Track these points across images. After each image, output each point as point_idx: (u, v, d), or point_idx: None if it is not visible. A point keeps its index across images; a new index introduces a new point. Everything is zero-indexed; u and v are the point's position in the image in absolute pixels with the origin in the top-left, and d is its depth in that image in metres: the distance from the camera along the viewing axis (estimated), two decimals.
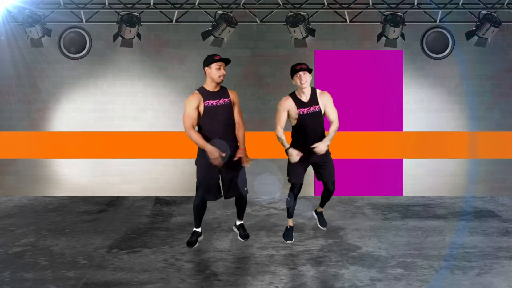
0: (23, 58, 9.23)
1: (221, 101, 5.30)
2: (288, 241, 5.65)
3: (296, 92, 5.47)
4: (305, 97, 5.42)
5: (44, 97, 9.42)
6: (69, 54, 8.03)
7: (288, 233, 5.69)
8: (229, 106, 5.32)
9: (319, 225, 5.89)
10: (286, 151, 5.39)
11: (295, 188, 5.55)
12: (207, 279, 4.74)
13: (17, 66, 9.29)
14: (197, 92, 5.32)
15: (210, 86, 5.32)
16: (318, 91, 5.50)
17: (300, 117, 5.40)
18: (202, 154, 5.25)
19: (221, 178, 5.31)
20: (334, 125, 5.44)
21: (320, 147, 5.31)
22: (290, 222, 5.74)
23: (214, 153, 5.08)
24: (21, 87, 9.39)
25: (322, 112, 5.45)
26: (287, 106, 5.42)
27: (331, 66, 9.02)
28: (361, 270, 4.90)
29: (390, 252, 5.39)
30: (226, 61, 5.31)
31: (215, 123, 5.26)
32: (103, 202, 7.66)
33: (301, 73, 5.39)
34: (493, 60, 9.20)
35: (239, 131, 5.35)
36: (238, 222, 5.61)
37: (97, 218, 6.82)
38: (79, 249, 5.54)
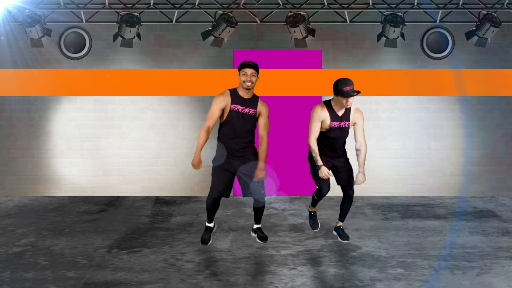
0: (23, 58, 9.23)
1: (247, 109, 5.27)
2: (316, 229, 5.88)
3: (332, 102, 5.42)
4: (341, 111, 5.41)
5: (44, 97, 9.42)
6: (69, 54, 8.03)
7: (314, 220, 5.91)
8: (253, 117, 5.29)
9: (340, 239, 5.74)
10: (317, 166, 5.39)
11: (323, 190, 5.56)
12: (207, 279, 4.74)
13: (17, 66, 9.29)
14: (228, 92, 5.29)
15: (241, 91, 5.30)
16: (353, 107, 5.45)
17: (330, 128, 5.42)
18: (220, 154, 5.30)
19: (239, 178, 5.34)
20: (363, 151, 5.51)
21: (360, 179, 5.50)
22: (313, 209, 5.91)
23: (196, 164, 5.13)
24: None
25: (350, 128, 5.51)
26: (322, 117, 5.39)
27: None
28: (361, 270, 4.90)
29: (390, 252, 5.39)
30: (251, 67, 5.24)
31: (235, 129, 5.26)
32: (103, 202, 7.66)
33: (350, 99, 5.30)
34: (493, 60, 9.20)
35: (261, 146, 5.33)
36: (255, 226, 5.63)
37: (97, 218, 6.82)
38: (79, 249, 5.54)
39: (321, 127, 5.45)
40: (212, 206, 5.37)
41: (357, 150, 5.55)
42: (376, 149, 9.37)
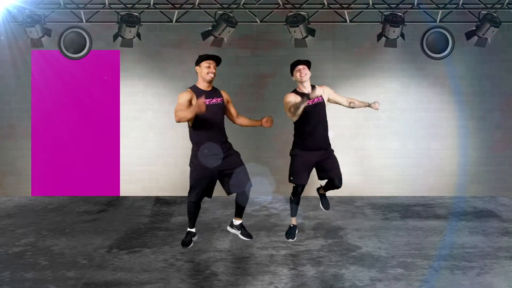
0: (23, 58, 9.23)
1: (213, 100, 5.26)
2: (290, 239, 5.63)
3: (297, 89, 5.54)
4: (307, 91, 5.48)
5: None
6: (69, 54, 8.02)
7: (290, 232, 5.66)
8: (222, 106, 5.29)
9: (322, 207, 5.78)
10: (304, 99, 5.35)
11: (298, 189, 5.55)
12: (207, 279, 4.74)
13: (17, 66, 9.29)
14: (189, 89, 5.29)
15: (202, 85, 5.29)
16: (317, 86, 5.56)
17: (305, 109, 5.37)
18: (195, 155, 5.23)
19: (222, 176, 5.26)
20: (354, 99, 5.65)
21: (377, 105, 5.63)
22: (293, 221, 5.72)
23: (201, 104, 4.96)
24: (21, 87, 9.39)
25: (325, 103, 5.51)
26: (293, 99, 5.44)
27: (49, 67, 9.02)
28: (361, 270, 4.90)
29: (390, 252, 5.39)
30: (215, 59, 5.28)
31: (208, 122, 5.21)
32: (103, 202, 7.66)
33: (301, 67, 5.45)
34: (493, 60, 9.20)
35: (243, 118, 5.44)
36: (236, 222, 5.47)
37: (97, 218, 6.82)
38: (79, 249, 5.54)
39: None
40: (194, 209, 5.26)
41: (350, 103, 5.60)
42: (376, 149, 9.37)
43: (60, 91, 9.19)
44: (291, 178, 5.55)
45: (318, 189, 5.90)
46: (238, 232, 5.49)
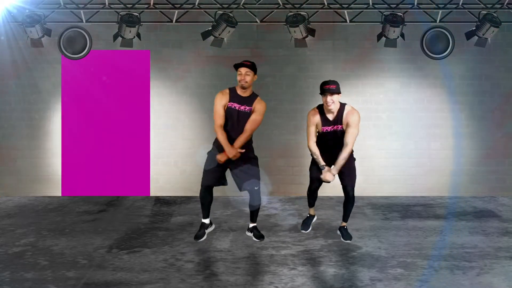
0: (23, 58, 9.23)
1: (242, 107, 5.46)
2: (303, 231, 5.92)
3: (324, 106, 5.53)
4: (331, 116, 5.50)
5: (44, 97, 9.42)
6: (69, 54, 8.02)
7: (306, 222, 6.02)
8: (249, 115, 5.47)
9: (343, 239, 5.77)
10: (321, 167, 5.51)
11: (312, 185, 5.75)
12: (207, 279, 4.74)
13: (17, 66, 9.29)
14: (227, 90, 5.51)
15: (239, 90, 5.51)
16: (347, 108, 5.50)
17: (323, 134, 5.55)
18: (213, 147, 5.54)
19: (232, 173, 5.55)
20: (346, 152, 5.45)
21: (327, 177, 5.47)
22: (311, 211, 6.04)
23: (222, 157, 5.36)
24: (21, 87, 9.39)
25: (344, 131, 5.53)
26: (315, 121, 5.54)
27: (78, 67, 9.05)
28: (361, 270, 4.90)
29: (390, 252, 5.39)
30: (246, 66, 5.44)
31: (233, 126, 5.47)
32: (103, 202, 7.66)
33: (328, 97, 5.38)
34: (493, 60, 9.20)
35: (242, 135, 5.43)
36: (251, 225, 5.81)
37: (97, 218, 6.82)
38: (79, 249, 5.54)
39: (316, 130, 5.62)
40: (204, 196, 5.56)
41: (344, 144, 5.54)
42: (376, 149, 9.37)
43: (89, 92, 9.19)
44: (309, 173, 5.75)
45: (339, 228, 5.93)
46: (251, 235, 5.76)
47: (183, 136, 9.34)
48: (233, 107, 5.44)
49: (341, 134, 5.52)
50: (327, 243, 5.69)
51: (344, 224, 5.85)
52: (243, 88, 5.44)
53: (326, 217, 6.74)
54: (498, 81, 9.31)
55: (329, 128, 5.51)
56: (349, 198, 5.69)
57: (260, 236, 5.70)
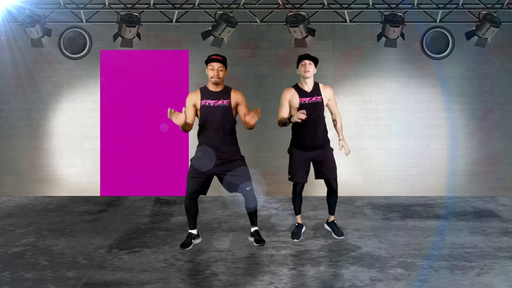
0: (23, 58, 9.23)
1: (219, 102, 5.24)
2: (295, 240, 5.69)
3: (299, 83, 5.54)
4: (307, 88, 5.49)
5: (44, 97, 9.43)
6: (69, 54, 8.02)
7: (296, 231, 5.77)
8: (228, 108, 5.25)
9: (334, 235, 5.77)
10: (290, 118, 5.37)
11: (297, 187, 5.63)
12: (207, 279, 4.74)
13: (17, 66, 9.29)
14: (198, 90, 5.34)
15: (210, 86, 5.32)
16: (321, 85, 5.56)
17: (301, 106, 5.41)
18: (195, 154, 5.33)
19: (220, 179, 5.37)
20: (339, 120, 5.57)
21: (347, 150, 5.53)
22: (298, 219, 5.84)
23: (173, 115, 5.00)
24: (21, 87, 9.40)
25: (324, 104, 5.51)
26: (289, 96, 5.46)
27: (117, 66, 9.09)
28: (361, 270, 4.90)
29: (390, 252, 5.38)
30: (218, 60, 5.23)
31: (211, 124, 5.23)
32: (103, 202, 7.66)
33: (307, 61, 5.43)
34: (493, 60, 9.21)
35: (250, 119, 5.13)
36: (252, 229, 5.63)
37: (97, 218, 6.82)
38: (79, 249, 5.53)
39: (293, 108, 5.46)
40: (189, 207, 5.40)
41: (333, 120, 5.61)
42: (376, 149, 9.38)
43: (129, 91, 9.17)
44: (289, 176, 5.65)
45: (326, 221, 5.94)
46: (252, 239, 5.60)
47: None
48: (207, 104, 5.21)
49: (320, 106, 5.44)
50: (327, 243, 5.69)
51: (332, 218, 5.83)
52: (216, 84, 5.23)
53: (326, 217, 6.74)
54: (498, 81, 9.31)
55: (307, 100, 5.40)
56: (333, 191, 5.62)
57: (260, 241, 5.53)
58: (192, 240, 5.50)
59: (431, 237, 5.92)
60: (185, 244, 5.46)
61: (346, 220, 6.54)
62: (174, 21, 8.13)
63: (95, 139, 9.34)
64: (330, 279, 4.73)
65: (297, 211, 5.80)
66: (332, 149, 5.62)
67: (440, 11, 7.91)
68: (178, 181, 9.05)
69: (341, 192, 5.80)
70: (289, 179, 5.66)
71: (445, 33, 7.91)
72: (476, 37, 7.90)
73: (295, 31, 7.79)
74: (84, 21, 8.02)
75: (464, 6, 7.86)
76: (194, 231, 5.53)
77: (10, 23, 8.05)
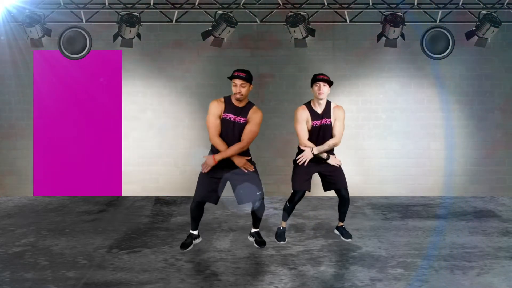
0: (23, 58, 9.23)
1: (238, 118, 5.25)
2: (282, 242, 5.66)
3: (312, 102, 5.52)
4: (319, 109, 5.49)
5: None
6: (69, 54, 8.02)
7: (281, 234, 5.72)
8: (244, 126, 5.26)
9: (343, 238, 5.77)
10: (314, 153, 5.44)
11: (296, 195, 5.57)
12: (207, 279, 4.74)
13: (17, 66, 9.29)
14: (222, 99, 5.30)
15: (234, 99, 5.29)
16: (333, 104, 5.55)
17: (312, 129, 5.48)
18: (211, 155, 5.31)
19: (232, 186, 5.37)
20: (335, 140, 5.49)
21: (307, 155, 5.41)
22: (283, 224, 5.78)
23: (210, 161, 5.14)
24: (21, 87, 9.39)
25: (332, 125, 5.51)
26: (305, 116, 5.47)
27: (50, 67, 9.09)
28: (361, 270, 4.90)
29: (390, 252, 5.39)
30: (241, 78, 5.18)
31: (228, 137, 5.25)
32: (103, 202, 7.66)
33: (321, 83, 5.42)
34: (493, 60, 9.20)
35: (237, 144, 5.20)
36: (253, 230, 5.64)
37: (97, 218, 6.82)
38: (79, 249, 5.54)
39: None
40: (195, 211, 5.39)
41: (330, 140, 5.51)
42: (376, 149, 9.37)
43: (62, 91, 9.21)
44: (293, 184, 5.59)
45: (336, 227, 5.91)
46: (252, 240, 5.62)
47: (183, 136, 9.34)
48: (228, 118, 5.22)
49: (329, 129, 5.48)
50: (327, 243, 5.69)
51: (341, 223, 5.83)
52: (238, 101, 5.23)
53: (326, 217, 6.74)
54: (498, 81, 9.31)
55: (318, 123, 5.45)
56: (345, 201, 5.63)
57: (261, 243, 5.55)
58: (193, 241, 5.51)
59: (431, 237, 5.92)
60: (185, 244, 5.46)
61: (346, 220, 6.53)
62: (174, 21, 8.12)
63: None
64: (330, 279, 4.73)
65: (285, 218, 5.75)
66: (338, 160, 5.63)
67: (440, 11, 7.90)
68: (111, 181, 9.09)
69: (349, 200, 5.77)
70: (293, 188, 5.59)
71: (445, 33, 7.90)
72: (476, 37, 7.89)
73: (295, 31, 7.78)
74: (84, 21, 8.02)
75: (464, 6, 7.85)
76: (196, 232, 5.54)
77: (10, 23, 8.04)
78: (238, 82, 5.18)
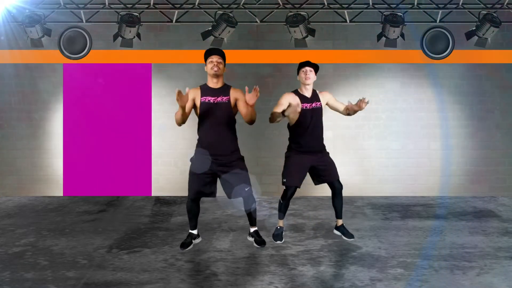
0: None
1: (219, 98, 5.20)
2: (278, 242, 5.65)
3: (299, 89, 5.59)
4: (307, 94, 5.55)
5: (44, 97, 9.43)
6: (69, 54, 8.02)
7: (278, 234, 5.70)
8: (228, 105, 5.22)
9: (345, 238, 5.73)
10: (283, 113, 5.44)
11: (289, 191, 5.58)
12: (207, 279, 4.74)
13: (17, 66, 9.30)
14: (198, 87, 5.31)
15: (210, 82, 5.29)
16: (318, 91, 5.64)
17: (303, 112, 5.47)
18: (197, 156, 5.28)
19: (221, 181, 5.34)
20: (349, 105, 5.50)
21: (364, 100, 5.36)
22: (281, 223, 5.77)
23: (179, 97, 4.92)
24: (21, 87, 9.40)
25: (323, 109, 5.56)
26: (290, 99, 5.49)
27: (80, 79, 9.23)
28: (361, 270, 4.90)
29: (390, 252, 5.39)
30: (216, 52, 5.21)
31: (211, 121, 5.20)
32: (103, 202, 7.66)
33: (308, 68, 5.51)
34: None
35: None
36: (251, 229, 5.61)
37: (97, 218, 6.82)
38: (79, 249, 5.53)
39: (293, 114, 5.49)
40: (191, 208, 5.37)
41: (346, 109, 5.52)
42: (376, 149, 9.38)
43: (91, 101, 9.31)
44: (284, 180, 5.61)
45: (335, 226, 5.88)
46: (252, 240, 5.60)
47: (183, 136, 9.34)
48: (207, 101, 5.15)
49: (319, 112, 5.52)
50: (327, 243, 5.69)
51: (340, 222, 5.82)
52: (215, 76, 5.16)
53: (326, 217, 6.74)
54: (498, 81, 9.32)
55: (308, 105, 5.48)
56: (339, 193, 5.61)
57: (261, 242, 5.52)
58: (192, 240, 5.51)
59: (431, 237, 5.92)
60: (185, 244, 5.46)
61: (346, 220, 6.54)
62: (174, 21, 8.13)
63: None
64: (330, 279, 4.73)
65: (282, 216, 5.73)
66: (328, 153, 5.65)
67: (440, 11, 7.91)
68: (140, 181, 9.17)
69: (343, 191, 5.78)
70: (283, 183, 5.60)
71: (445, 33, 7.91)
72: (476, 37, 7.90)
73: (295, 31, 7.79)
74: (84, 21, 8.02)
75: (464, 6, 7.86)
76: (195, 231, 5.54)
77: (10, 23, 8.05)
78: (215, 58, 5.18)
